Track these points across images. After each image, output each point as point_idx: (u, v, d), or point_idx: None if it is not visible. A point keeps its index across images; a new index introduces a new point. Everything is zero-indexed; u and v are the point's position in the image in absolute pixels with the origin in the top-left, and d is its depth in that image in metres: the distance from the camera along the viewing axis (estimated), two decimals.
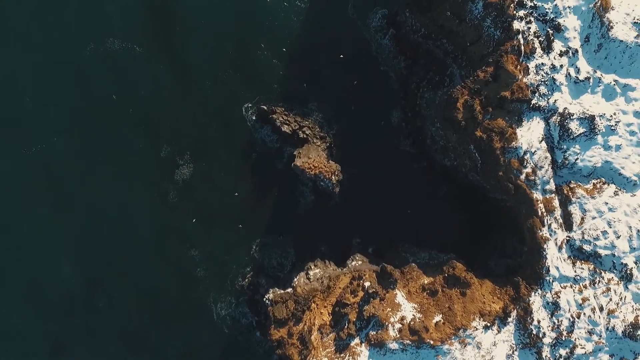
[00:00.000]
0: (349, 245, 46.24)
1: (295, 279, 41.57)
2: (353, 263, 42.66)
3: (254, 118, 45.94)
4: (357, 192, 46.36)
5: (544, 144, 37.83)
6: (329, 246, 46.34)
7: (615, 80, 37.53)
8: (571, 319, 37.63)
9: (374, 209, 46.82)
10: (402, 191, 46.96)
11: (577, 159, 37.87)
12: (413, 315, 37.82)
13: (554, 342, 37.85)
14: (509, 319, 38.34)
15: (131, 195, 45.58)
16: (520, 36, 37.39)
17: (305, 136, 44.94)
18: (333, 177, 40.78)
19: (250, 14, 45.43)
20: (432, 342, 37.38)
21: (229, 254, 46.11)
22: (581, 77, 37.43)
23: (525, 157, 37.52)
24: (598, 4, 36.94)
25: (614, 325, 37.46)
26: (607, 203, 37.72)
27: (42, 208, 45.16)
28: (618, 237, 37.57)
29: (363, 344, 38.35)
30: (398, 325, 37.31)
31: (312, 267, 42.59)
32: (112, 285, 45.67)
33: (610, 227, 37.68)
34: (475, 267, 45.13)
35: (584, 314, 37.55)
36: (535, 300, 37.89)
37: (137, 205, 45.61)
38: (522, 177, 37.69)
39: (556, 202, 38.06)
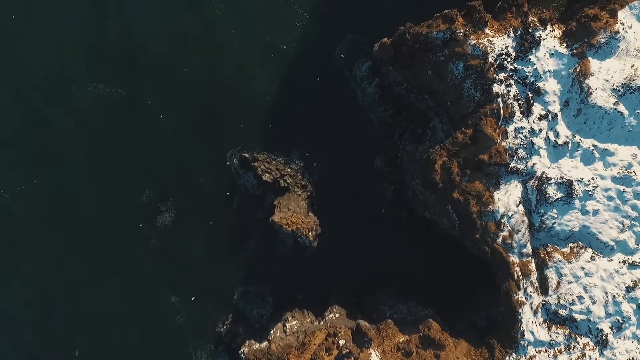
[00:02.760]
0: (329, 293, 46.14)
1: (272, 332, 41.52)
2: (330, 315, 42.57)
3: (236, 165, 45.95)
4: (338, 239, 46.17)
5: (521, 207, 37.81)
6: (308, 294, 46.20)
7: (594, 145, 37.57)
8: None
9: (354, 255, 46.66)
10: (384, 238, 46.84)
11: (555, 223, 37.82)
12: None
13: None
14: None
15: (111, 240, 45.48)
16: (499, 99, 37.46)
17: (286, 185, 44.92)
18: (310, 234, 40.78)
19: (236, 57, 45.39)
20: None
21: (209, 301, 45.91)
22: (560, 142, 37.45)
23: (502, 220, 37.48)
24: (578, 70, 37.00)
25: None
26: (583, 268, 37.66)
27: (15, 253, 45.15)
28: (594, 302, 37.49)
29: None
30: None
31: (290, 319, 42.51)
32: (89, 332, 45.56)
33: (587, 292, 37.61)
34: (457, 321, 45.27)
35: None
36: None
37: (117, 250, 45.50)
38: (499, 240, 37.65)
39: (532, 266, 38.02)
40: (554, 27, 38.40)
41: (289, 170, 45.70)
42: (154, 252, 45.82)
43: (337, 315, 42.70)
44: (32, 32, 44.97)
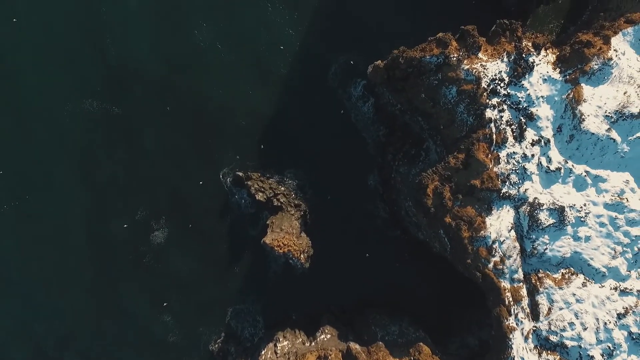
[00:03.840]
0: (321, 312, 46.09)
1: (263, 352, 41.48)
2: (322, 336, 42.52)
3: (230, 183, 45.97)
4: (331, 258, 46.10)
5: (513, 233, 37.70)
6: (300, 313, 46.27)
7: (586, 171, 37.46)
8: None
9: (347, 274, 46.61)
10: (377, 257, 46.85)
11: (546, 248, 37.72)
12: None
13: None
14: None
15: (105, 258, 45.56)
16: (492, 124, 37.36)
17: (279, 204, 44.91)
18: (302, 256, 40.78)
19: (230, 80, 45.42)
20: None
21: (202, 320, 46.11)
22: (552, 167, 37.35)
23: (494, 246, 37.38)
24: (571, 96, 36.93)
25: None
26: (574, 294, 37.54)
27: (6, 271, 45.17)
28: (585, 329, 37.37)
29: None
30: None
31: (281, 339, 42.47)
32: (81, 351, 45.63)
33: (578, 319, 37.49)
34: (449, 341, 45.34)
35: None
36: None
37: (110, 268, 45.57)
38: (490, 265, 37.56)
39: (524, 291, 37.91)
40: (547, 51, 38.30)
41: (282, 189, 45.70)
42: (147, 270, 45.91)
43: (328, 336, 42.64)
44: (29, 48, 45.00)
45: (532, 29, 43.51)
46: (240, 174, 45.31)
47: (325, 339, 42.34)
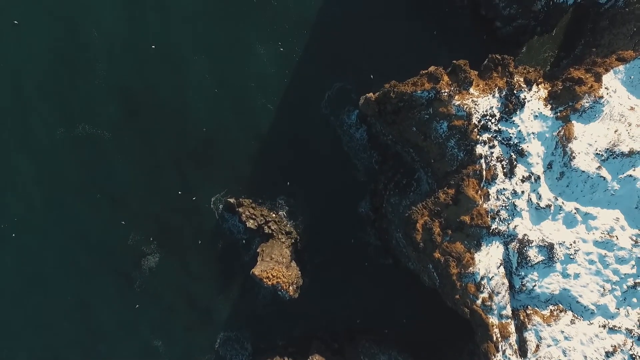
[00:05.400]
0: (310, 339, 46.08)
1: None
2: None
3: (222, 209, 46.00)
4: (321, 285, 46.21)
5: (502, 269, 37.66)
6: (289, 340, 46.26)
7: (576, 209, 37.40)
8: None
9: (337, 302, 46.64)
10: (367, 285, 46.87)
11: (535, 285, 37.66)
12: None
13: None
14: None
15: (97, 282, 45.62)
16: (482, 161, 37.30)
17: (270, 231, 44.92)
18: (290, 288, 40.75)
19: (222, 105, 45.41)
20: None
21: (192, 346, 46.08)
22: (542, 204, 37.29)
23: (482, 282, 37.33)
24: (562, 133, 36.86)
25: None
26: (563, 331, 37.49)
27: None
28: None
29: None
30: None
31: None
32: None
33: (566, 356, 37.43)
34: None
35: None
36: None
37: (102, 292, 45.65)
38: (478, 302, 37.51)
39: (512, 328, 37.85)
40: (539, 87, 38.24)
41: (273, 215, 45.70)
42: (138, 294, 45.90)
43: None
44: (24, 75, 44.99)
45: (525, 62, 43.47)
46: (232, 200, 45.30)
47: None
